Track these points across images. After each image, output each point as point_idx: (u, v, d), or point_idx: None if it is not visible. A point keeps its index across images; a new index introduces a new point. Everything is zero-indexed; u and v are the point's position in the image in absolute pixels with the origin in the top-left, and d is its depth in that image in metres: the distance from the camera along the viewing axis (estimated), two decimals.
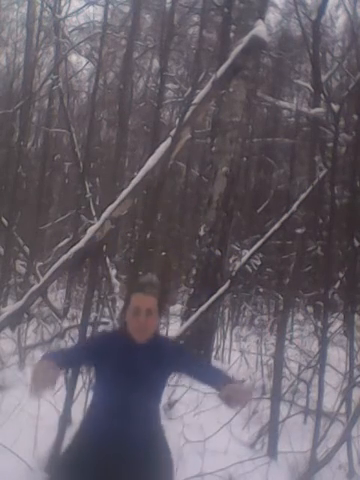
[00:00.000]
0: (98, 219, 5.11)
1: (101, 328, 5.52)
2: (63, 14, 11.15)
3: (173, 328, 7.27)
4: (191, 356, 2.65)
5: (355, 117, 6.40)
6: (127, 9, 12.63)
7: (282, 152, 15.86)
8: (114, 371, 2.41)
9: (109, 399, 2.41)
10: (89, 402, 2.57)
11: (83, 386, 4.09)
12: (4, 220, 9.90)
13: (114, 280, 7.53)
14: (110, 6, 11.24)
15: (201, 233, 7.68)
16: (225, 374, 2.44)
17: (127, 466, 2.37)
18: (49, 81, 11.34)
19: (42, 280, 5.51)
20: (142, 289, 2.48)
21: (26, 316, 6.62)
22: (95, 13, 14.60)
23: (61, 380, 4.07)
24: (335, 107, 4.68)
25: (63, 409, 3.72)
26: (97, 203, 9.80)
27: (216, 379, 2.39)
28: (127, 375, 2.40)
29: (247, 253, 5.91)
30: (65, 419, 3.67)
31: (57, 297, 10.91)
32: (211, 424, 4.36)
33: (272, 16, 14.41)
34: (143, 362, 2.42)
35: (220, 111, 7.80)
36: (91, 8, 16.33)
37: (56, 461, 2.55)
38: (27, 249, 10.55)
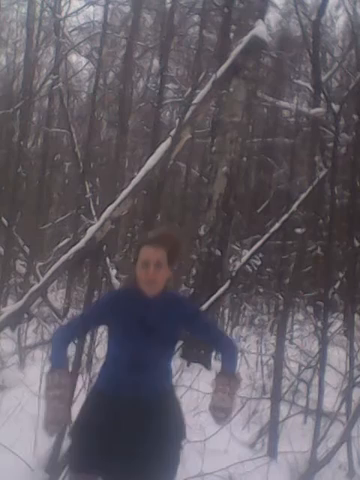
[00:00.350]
0: (98, 219, 5.11)
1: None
2: (63, 14, 11.14)
3: None
4: (204, 320, 2.59)
5: (355, 117, 6.39)
6: (127, 9, 12.64)
7: (282, 152, 15.85)
8: (126, 325, 2.41)
9: (121, 354, 2.41)
10: (103, 362, 2.55)
11: (83, 386, 4.09)
12: (4, 220, 9.90)
13: (114, 280, 7.52)
14: (110, 6, 11.23)
15: (201, 233, 7.68)
16: (230, 359, 2.48)
17: (139, 421, 2.37)
18: (49, 81, 11.33)
19: (42, 280, 5.50)
20: (151, 242, 2.45)
21: (26, 316, 6.60)
22: (95, 13, 14.60)
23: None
24: (335, 107, 4.67)
25: None
26: (97, 203, 9.80)
27: (222, 360, 2.49)
28: (138, 328, 2.39)
29: (247, 253, 5.90)
30: None
31: (57, 297, 10.90)
32: (211, 424, 4.36)
33: (272, 16, 14.42)
34: (154, 315, 2.42)
35: (220, 111, 7.80)
36: (91, 8, 16.33)
37: (72, 425, 2.51)
38: (27, 249, 10.54)
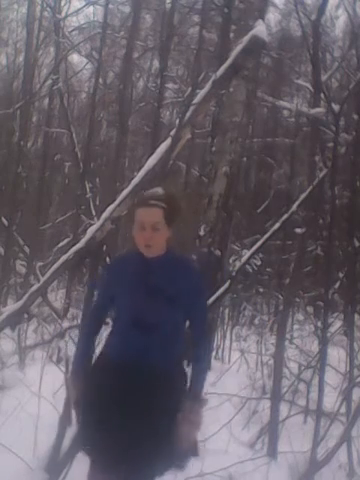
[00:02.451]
0: (98, 219, 5.11)
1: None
2: (63, 14, 11.16)
3: None
4: (200, 303, 2.45)
5: (355, 117, 6.40)
6: (127, 9, 12.63)
7: (282, 152, 15.85)
8: (128, 286, 2.36)
9: (126, 315, 2.35)
10: (108, 331, 2.49)
11: None
12: (4, 220, 9.90)
13: None
14: (110, 6, 11.24)
15: (201, 233, 7.68)
16: (201, 372, 2.36)
17: (143, 392, 2.29)
18: (49, 81, 11.34)
19: (42, 280, 5.50)
20: (146, 202, 2.33)
21: (26, 316, 6.61)
22: (95, 13, 14.56)
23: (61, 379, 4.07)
24: (335, 107, 4.68)
25: (63, 409, 3.71)
26: (97, 203, 9.80)
27: (193, 371, 2.35)
28: (140, 288, 2.33)
29: (247, 253, 5.90)
30: (65, 419, 3.66)
31: (57, 297, 10.90)
32: (211, 424, 4.36)
33: (272, 16, 14.40)
34: (156, 275, 2.35)
35: (220, 111, 7.78)
36: (91, 8, 16.31)
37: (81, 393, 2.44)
38: (27, 249, 10.55)
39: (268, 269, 12.32)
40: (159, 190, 2.39)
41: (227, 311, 9.69)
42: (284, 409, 4.76)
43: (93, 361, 2.47)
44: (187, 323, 2.43)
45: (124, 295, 2.37)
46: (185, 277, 2.37)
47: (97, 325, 2.53)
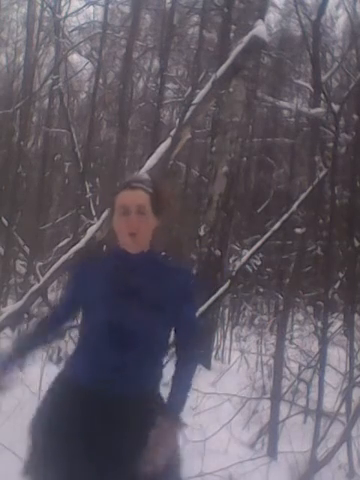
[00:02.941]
0: (98, 219, 5.11)
1: None
2: (63, 14, 11.16)
3: None
4: (190, 311, 2.05)
5: (355, 117, 6.40)
6: (127, 9, 12.63)
7: (282, 152, 15.85)
8: (102, 289, 1.97)
9: (97, 327, 1.95)
10: (73, 350, 2.08)
11: None
12: (4, 220, 9.90)
13: None
14: (110, 6, 11.24)
15: (201, 233, 7.68)
16: (184, 389, 1.96)
17: (111, 427, 1.90)
18: (49, 81, 11.34)
19: (42, 280, 5.52)
20: (130, 185, 2.01)
21: (26, 316, 6.61)
22: (95, 13, 14.58)
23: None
24: (335, 107, 4.68)
25: None
26: (97, 203, 9.80)
27: (173, 387, 1.95)
28: (118, 291, 1.94)
29: (247, 253, 5.91)
30: None
31: (57, 297, 10.89)
32: (211, 424, 4.36)
33: (272, 16, 14.40)
34: (138, 275, 1.97)
35: (220, 111, 7.80)
36: (91, 8, 16.32)
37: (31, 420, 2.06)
38: (27, 249, 10.55)
39: (268, 269, 12.31)
40: (144, 175, 2.14)
41: (227, 311, 9.69)
42: (284, 409, 4.75)
43: (51, 385, 2.06)
44: (171, 337, 2.06)
45: (96, 300, 1.97)
46: (173, 278, 2.01)
47: (49, 327, 2.14)
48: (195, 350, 2.04)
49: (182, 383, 1.97)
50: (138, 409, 1.92)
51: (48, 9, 11.01)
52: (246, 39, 4.97)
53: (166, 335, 2.02)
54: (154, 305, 1.95)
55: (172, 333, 2.04)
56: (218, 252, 7.54)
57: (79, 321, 2.09)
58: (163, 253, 2.17)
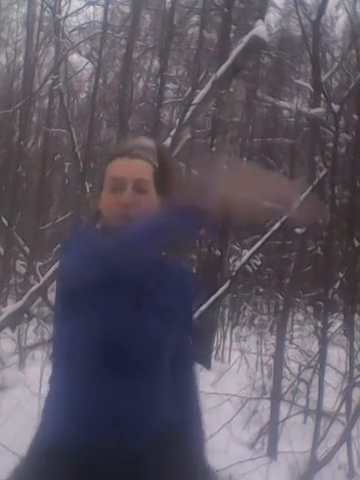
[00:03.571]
0: None
1: None
2: (63, 14, 11.15)
3: None
4: (191, 330, 1.50)
5: (355, 117, 6.40)
6: (127, 9, 12.62)
7: (282, 152, 15.85)
8: (96, 294, 1.31)
9: (87, 352, 1.30)
10: (46, 396, 1.42)
11: None
12: (4, 220, 9.90)
13: None
14: (110, 6, 11.23)
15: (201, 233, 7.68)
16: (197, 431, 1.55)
17: None
18: (49, 81, 11.34)
19: (42, 280, 5.51)
20: (128, 152, 1.47)
21: (26, 316, 6.62)
22: (95, 13, 14.57)
23: None
24: (335, 107, 4.68)
25: None
26: None
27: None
28: (116, 296, 1.30)
29: (247, 253, 5.91)
30: None
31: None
32: (211, 424, 4.36)
33: (272, 16, 14.39)
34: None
35: (220, 111, 7.81)
36: (91, 8, 16.30)
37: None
38: (27, 249, 10.55)
39: (268, 269, 12.32)
40: (146, 140, 1.57)
41: (227, 311, 9.69)
42: (284, 409, 4.75)
43: (28, 455, 1.43)
44: None
45: (86, 306, 1.32)
46: (178, 280, 1.47)
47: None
48: (196, 378, 1.53)
49: (195, 429, 1.54)
50: (158, 462, 1.32)
51: (48, 9, 11.01)
52: (246, 39, 4.97)
53: (190, 351, 1.48)
54: (165, 311, 1.38)
55: None
56: (218, 252, 7.54)
57: (52, 343, 1.44)
58: None
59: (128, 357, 1.31)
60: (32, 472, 1.37)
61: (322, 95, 5.20)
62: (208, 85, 4.97)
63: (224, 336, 8.14)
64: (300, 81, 10.77)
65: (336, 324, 6.32)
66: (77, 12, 12.55)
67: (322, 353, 4.39)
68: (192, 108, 4.80)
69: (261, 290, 12.35)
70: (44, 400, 1.41)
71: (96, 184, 1.51)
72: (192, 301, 1.52)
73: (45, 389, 1.46)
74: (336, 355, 6.41)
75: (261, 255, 10.15)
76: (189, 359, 1.47)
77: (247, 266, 9.39)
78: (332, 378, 5.50)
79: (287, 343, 5.96)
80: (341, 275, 7.59)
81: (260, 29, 4.99)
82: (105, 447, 1.26)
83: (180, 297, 1.45)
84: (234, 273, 5.64)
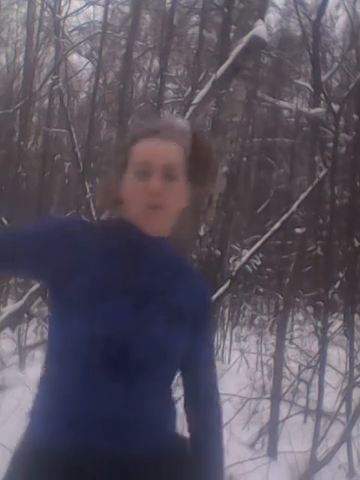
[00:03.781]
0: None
1: None
2: (63, 14, 11.15)
3: None
4: (207, 341, 1.36)
5: (355, 117, 6.40)
6: (127, 9, 12.64)
7: (282, 152, 15.85)
8: (95, 285, 1.21)
9: (85, 350, 1.18)
10: (37, 392, 1.29)
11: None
12: (4, 220, 9.90)
13: None
14: (110, 6, 11.24)
15: (201, 233, 7.68)
16: (215, 456, 1.31)
17: None
18: (49, 81, 11.35)
19: None
20: (159, 133, 1.27)
21: (26, 316, 6.61)
22: (95, 13, 14.59)
23: None
24: (335, 107, 4.69)
25: None
26: (97, 203, 9.77)
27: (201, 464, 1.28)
28: (123, 291, 1.22)
29: (247, 253, 5.91)
30: None
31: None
32: None
33: (272, 16, 14.40)
34: (155, 269, 1.27)
35: (220, 111, 7.79)
36: (91, 8, 16.33)
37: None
38: None
39: (268, 269, 12.31)
40: (180, 121, 1.37)
41: (227, 311, 9.69)
42: (284, 409, 4.76)
43: (13, 458, 1.35)
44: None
45: (83, 303, 1.19)
46: (192, 289, 1.33)
47: None
48: (216, 396, 1.36)
49: (212, 448, 1.31)
50: (160, 472, 1.22)
51: (48, 9, 11.02)
52: (246, 39, 4.96)
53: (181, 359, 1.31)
54: (175, 314, 1.26)
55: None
56: (218, 252, 7.54)
57: (47, 339, 1.31)
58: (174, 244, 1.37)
59: (128, 356, 1.20)
60: (19, 475, 1.25)
61: (322, 95, 5.20)
62: (208, 85, 4.96)
63: (224, 336, 8.14)
64: (300, 81, 10.77)
65: (336, 324, 6.33)
66: (77, 12, 12.58)
67: (322, 353, 4.39)
68: (192, 108, 4.79)
69: (261, 290, 12.34)
70: (33, 400, 1.30)
71: (117, 166, 1.31)
72: (205, 302, 1.38)
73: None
74: (336, 355, 6.41)
75: (261, 255, 10.14)
76: (207, 363, 1.35)
77: (247, 266, 9.38)
78: (332, 378, 5.50)
79: (287, 343, 5.96)
80: (341, 275, 7.59)
81: (260, 29, 4.98)
82: (98, 451, 1.17)
83: (189, 297, 1.31)
84: (234, 273, 5.64)
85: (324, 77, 5.68)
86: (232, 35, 8.23)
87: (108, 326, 1.19)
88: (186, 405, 1.35)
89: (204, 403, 1.33)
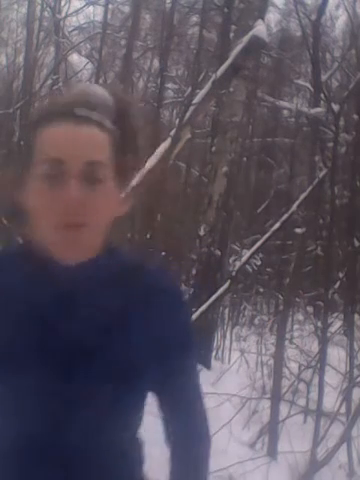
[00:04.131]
0: None
1: None
2: (63, 14, 11.18)
3: None
4: (185, 362, 1.04)
5: (355, 117, 6.41)
6: (127, 9, 12.64)
7: (282, 152, 15.86)
8: (17, 353, 0.90)
9: (7, 437, 0.91)
10: None
11: None
12: (4, 220, 9.91)
13: None
14: (110, 6, 11.24)
15: (201, 233, 7.69)
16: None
17: None
18: (49, 81, 11.36)
19: None
20: (71, 112, 0.89)
21: None
22: (95, 13, 14.60)
23: None
24: (335, 107, 4.69)
25: None
26: None
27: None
28: (48, 354, 0.89)
29: (247, 253, 5.91)
30: None
31: None
32: (211, 424, 4.36)
33: (272, 16, 14.40)
34: (87, 313, 0.92)
35: (220, 111, 7.80)
36: (91, 8, 16.32)
37: None
38: None
39: (268, 269, 12.31)
40: (98, 88, 0.96)
41: (227, 311, 9.69)
42: (284, 409, 4.75)
43: None
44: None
45: (5, 358, 0.90)
46: (155, 309, 0.97)
47: None
48: (204, 432, 1.19)
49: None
50: None
51: (48, 9, 11.04)
52: (246, 39, 4.98)
53: (139, 415, 1.02)
54: (122, 374, 0.92)
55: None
56: (218, 252, 7.54)
57: None
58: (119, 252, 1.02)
59: (67, 444, 0.91)
60: None
61: (322, 95, 5.21)
62: (208, 85, 4.97)
63: (224, 336, 8.14)
64: (300, 81, 10.78)
65: (336, 324, 6.33)
66: (77, 12, 12.59)
67: (322, 353, 4.39)
68: (192, 108, 4.80)
69: (261, 290, 12.34)
70: None
71: (19, 164, 0.94)
72: (182, 340, 1.02)
73: None
74: (336, 355, 6.41)
75: (261, 255, 10.15)
76: (189, 401, 1.10)
77: (247, 266, 9.39)
78: (332, 378, 5.50)
79: (287, 343, 5.96)
80: (341, 275, 7.59)
81: (260, 29, 4.99)
82: None
83: (153, 323, 0.97)
84: (234, 273, 5.65)
85: (324, 77, 5.68)
86: (232, 35, 8.24)
87: (27, 400, 0.88)
88: (169, 436, 1.10)
89: (175, 430, 1.10)
